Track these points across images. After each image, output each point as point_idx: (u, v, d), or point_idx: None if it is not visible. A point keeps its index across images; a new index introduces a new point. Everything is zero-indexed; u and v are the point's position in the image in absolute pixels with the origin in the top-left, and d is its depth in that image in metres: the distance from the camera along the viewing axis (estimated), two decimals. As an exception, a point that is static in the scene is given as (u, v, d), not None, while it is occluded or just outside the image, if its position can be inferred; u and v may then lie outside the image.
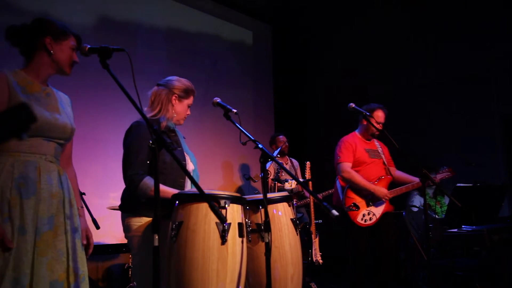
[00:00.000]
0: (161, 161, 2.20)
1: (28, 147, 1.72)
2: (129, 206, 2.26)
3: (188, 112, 2.45)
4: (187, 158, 2.39)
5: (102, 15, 4.67)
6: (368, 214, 3.52)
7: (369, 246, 3.55)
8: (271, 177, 4.54)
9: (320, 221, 4.60)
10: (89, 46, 1.69)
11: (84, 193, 3.17)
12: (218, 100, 2.25)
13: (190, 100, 2.43)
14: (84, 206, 2.05)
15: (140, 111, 1.60)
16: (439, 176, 3.69)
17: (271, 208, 2.27)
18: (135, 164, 2.17)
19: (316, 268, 4.22)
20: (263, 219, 1.97)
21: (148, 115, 2.33)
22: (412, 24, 5.55)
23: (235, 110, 2.17)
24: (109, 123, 4.47)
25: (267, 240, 1.92)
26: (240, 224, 2.04)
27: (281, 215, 2.28)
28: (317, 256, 4.18)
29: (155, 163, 1.54)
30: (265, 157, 1.99)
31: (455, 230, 3.27)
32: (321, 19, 6.48)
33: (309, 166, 4.24)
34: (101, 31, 4.61)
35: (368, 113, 3.28)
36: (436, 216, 4.30)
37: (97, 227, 3.11)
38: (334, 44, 6.43)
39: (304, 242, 4.18)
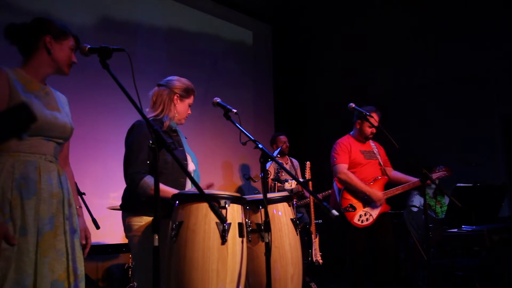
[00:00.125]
0: (163, 161, 2.21)
1: (28, 147, 1.72)
2: (129, 205, 2.26)
3: (189, 112, 2.47)
4: (189, 158, 2.39)
5: (102, 15, 4.67)
6: (365, 214, 3.53)
7: (367, 246, 3.56)
8: (271, 177, 4.54)
9: (320, 221, 4.60)
10: (89, 46, 1.69)
11: (84, 193, 3.17)
12: (218, 100, 2.25)
13: (190, 100, 2.45)
14: (82, 206, 2.05)
15: (140, 111, 1.60)
16: (435, 176, 3.69)
17: (271, 208, 2.27)
18: (136, 163, 2.18)
19: (316, 268, 4.22)
20: (263, 219, 1.97)
21: (151, 115, 2.35)
22: (412, 24, 5.55)
23: (235, 110, 2.17)
24: (109, 123, 4.47)
25: (267, 240, 1.93)
26: (240, 224, 2.04)
27: (281, 215, 2.28)
28: (317, 256, 4.18)
29: (155, 163, 1.54)
30: (265, 157, 1.99)
31: (455, 230, 3.27)
32: (321, 19, 6.48)
33: (309, 166, 4.25)
34: (101, 31, 4.61)
35: (368, 113, 3.28)
36: (436, 216, 4.30)
37: (97, 227, 3.11)
38: (334, 44, 6.43)
39: (304, 242, 4.18)
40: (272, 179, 4.52)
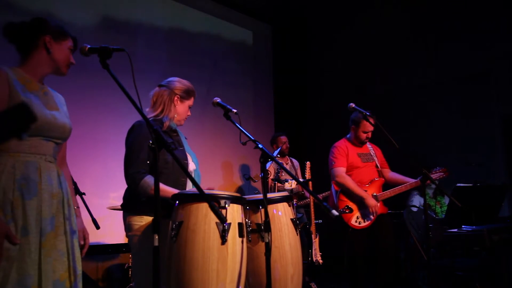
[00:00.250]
0: (163, 161, 2.21)
1: (28, 147, 1.71)
2: (130, 205, 2.27)
3: (189, 113, 2.49)
4: (189, 158, 2.40)
5: (102, 15, 4.67)
6: (362, 216, 3.55)
7: (366, 247, 3.58)
8: (271, 177, 4.54)
9: (320, 221, 4.61)
10: (89, 46, 1.69)
11: (84, 193, 3.17)
12: (218, 100, 2.26)
13: (191, 101, 2.47)
14: (79, 206, 2.04)
15: (140, 111, 1.60)
16: (432, 177, 3.69)
17: (271, 208, 2.27)
18: (137, 162, 2.19)
19: (316, 268, 4.22)
20: (263, 219, 1.97)
21: (151, 115, 2.36)
22: (412, 24, 5.55)
23: (235, 110, 2.17)
24: (109, 123, 4.47)
25: (267, 240, 1.92)
26: (240, 224, 2.04)
27: (281, 215, 2.28)
28: (317, 256, 4.18)
29: (155, 163, 1.54)
30: (265, 157, 1.99)
31: (455, 230, 3.27)
32: (321, 19, 6.48)
33: (309, 166, 4.25)
34: (101, 31, 4.61)
35: (368, 113, 3.27)
36: (436, 216, 4.30)
37: (97, 227, 3.11)
38: (334, 44, 6.43)
39: (304, 242, 4.18)
40: (272, 179, 4.52)
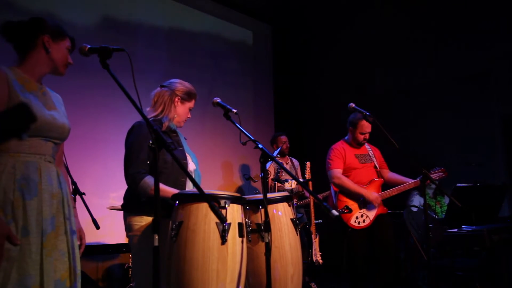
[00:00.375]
0: (162, 161, 2.22)
1: (28, 147, 1.71)
2: (130, 205, 2.27)
3: (189, 115, 2.50)
4: (188, 158, 2.40)
5: (103, 15, 4.67)
6: (361, 216, 3.58)
7: (365, 247, 3.59)
8: (271, 177, 4.54)
9: (320, 221, 4.61)
10: (89, 46, 1.68)
11: (84, 193, 3.17)
12: (218, 100, 2.26)
13: (191, 103, 2.49)
14: (75, 206, 2.04)
15: (140, 111, 1.60)
16: (432, 177, 3.70)
17: (271, 208, 2.27)
18: (137, 162, 2.19)
19: (316, 268, 4.22)
20: (263, 219, 1.97)
21: (151, 115, 2.37)
22: (412, 24, 5.55)
23: (235, 110, 2.18)
24: (109, 123, 4.47)
25: (267, 240, 1.92)
26: (240, 224, 2.04)
27: (281, 215, 2.28)
28: (317, 256, 4.18)
29: (155, 163, 1.54)
30: (265, 157, 1.99)
31: (455, 230, 3.27)
32: (321, 19, 6.48)
33: (309, 166, 4.26)
34: (101, 31, 4.61)
35: (368, 113, 3.27)
36: (436, 216, 4.30)
37: (97, 227, 3.11)
38: (334, 44, 6.43)
39: (304, 242, 4.18)
40: (272, 179, 4.52)
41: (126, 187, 2.28)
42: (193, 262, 1.89)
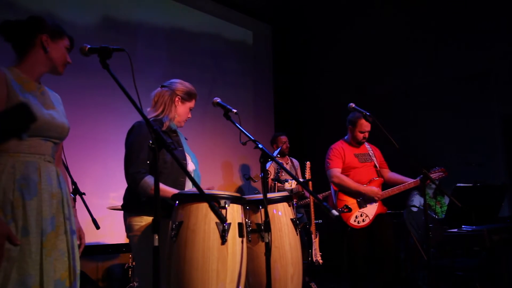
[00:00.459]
0: (162, 161, 2.22)
1: (27, 147, 1.71)
2: (130, 205, 2.27)
3: (189, 115, 2.50)
4: (188, 158, 2.40)
5: (102, 15, 4.67)
6: (361, 215, 3.58)
7: (365, 247, 3.59)
8: (271, 177, 4.54)
9: (320, 221, 4.61)
10: (89, 46, 1.68)
11: (84, 193, 3.17)
12: (218, 100, 2.26)
13: (192, 103, 2.49)
14: (75, 206, 2.04)
15: (140, 111, 1.60)
16: (432, 176, 3.70)
17: (271, 208, 2.27)
18: (137, 162, 2.19)
19: (316, 268, 4.22)
20: (263, 219, 1.97)
21: (151, 115, 2.37)
22: (412, 24, 5.55)
23: (235, 110, 2.18)
24: (109, 123, 4.47)
25: (267, 240, 1.92)
26: (240, 224, 2.04)
27: (281, 215, 2.28)
28: (317, 256, 4.18)
29: (155, 163, 1.54)
30: (265, 157, 1.99)
31: (455, 230, 3.27)
32: (321, 19, 6.48)
33: (309, 166, 4.26)
34: (101, 31, 4.61)
35: (368, 113, 3.27)
36: (436, 216, 4.30)
37: (97, 227, 3.11)
38: (334, 44, 6.43)
39: (304, 242, 4.18)
40: (272, 179, 4.52)
41: (126, 187, 2.28)
42: (193, 262, 1.89)
